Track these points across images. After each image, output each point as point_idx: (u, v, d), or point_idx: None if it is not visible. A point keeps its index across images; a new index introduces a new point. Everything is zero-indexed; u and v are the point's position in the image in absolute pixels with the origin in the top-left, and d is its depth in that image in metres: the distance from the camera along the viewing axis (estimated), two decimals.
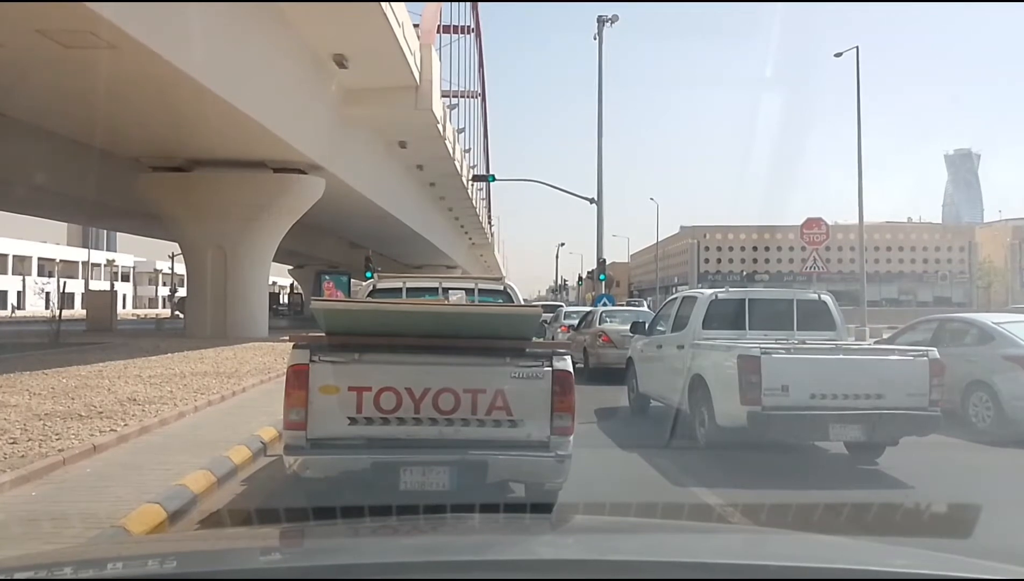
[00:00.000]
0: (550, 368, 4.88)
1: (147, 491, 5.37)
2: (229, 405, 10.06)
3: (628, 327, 13.87)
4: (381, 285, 7.20)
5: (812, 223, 26.66)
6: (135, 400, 9.53)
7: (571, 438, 4.92)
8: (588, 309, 20.82)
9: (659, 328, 9.94)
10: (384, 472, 4.71)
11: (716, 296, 8.77)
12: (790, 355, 7.10)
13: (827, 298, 8.74)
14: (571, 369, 4.96)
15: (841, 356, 7.39)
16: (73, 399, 9.53)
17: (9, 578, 1.61)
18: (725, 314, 8.53)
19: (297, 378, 4.77)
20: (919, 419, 6.91)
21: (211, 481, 5.91)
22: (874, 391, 6.91)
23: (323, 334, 5.02)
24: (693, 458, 7.39)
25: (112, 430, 7.47)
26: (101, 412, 8.53)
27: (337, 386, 4.77)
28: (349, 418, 4.75)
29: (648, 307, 23.80)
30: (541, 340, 5.74)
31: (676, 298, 10.12)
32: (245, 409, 9.62)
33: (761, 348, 7.00)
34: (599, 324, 15.91)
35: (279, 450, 5.56)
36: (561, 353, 5.03)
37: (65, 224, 67.27)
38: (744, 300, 8.65)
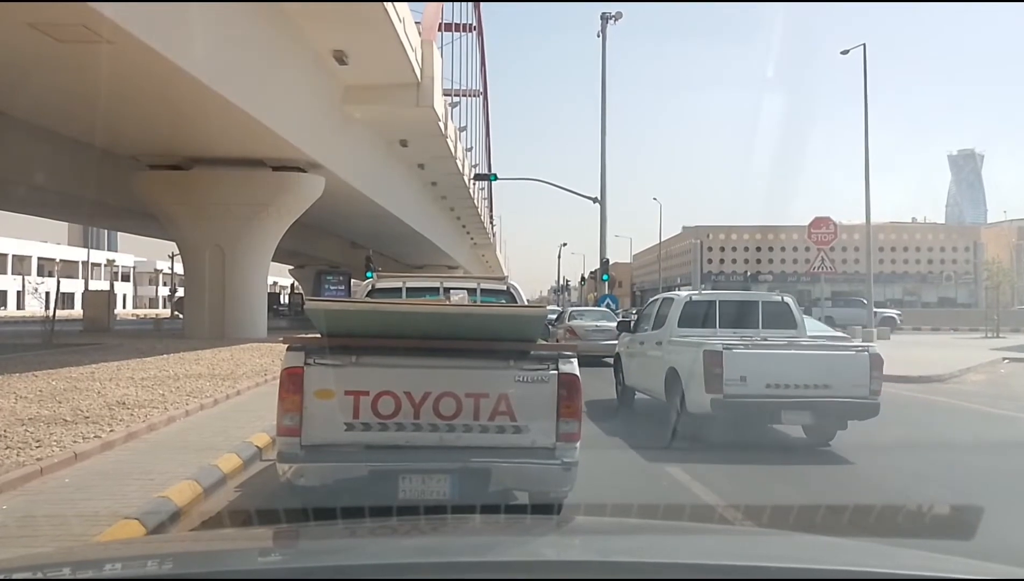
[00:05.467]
0: (556, 371, 4.63)
1: (127, 504, 5.05)
2: (222, 409, 9.74)
3: (592, 323, 19.64)
4: (380, 285, 6.95)
5: (820, 222, 26.33)
6: (124, 404, 9.21)
7: (578, 444, 4.67)
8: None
9: (643, 327, 10.81)
10: (382, 480, 4.46)
11: (691, 298, 9.92)
12: (748, 350, 8.04)
13: (789, 300, 9.66)
14: (578, 372, 4.69)
15: (793, 351, 8.35)
16: (60, 402, 9.21)
17: (8, 578, 1.58)
18: (698, 314, 9.50)
19: (291, 381, 4.52)
20: (861, 406, 7.85)
21: (197, 492, 5.59)
22: (821, 381, 7.85)
23: (319, 335, 4.75)
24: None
25: (97, 436, 7.15)
26: (88, 417, 8.21)
27: (333, 390, 4.51)
28: (346, 423, 4.50)
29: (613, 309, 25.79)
30: (546, 342, 5.45)
31: (657, 299, 11.08)
32: (239, 413, 9.30)
33: (723, 344, 7.93)
34: (568, 321, 20.48)
35: (273, 456, 5.26)
36: (567, 355, 4.77)
37: (66, 224, 67.05)
38: (715, 302, 9.68)
